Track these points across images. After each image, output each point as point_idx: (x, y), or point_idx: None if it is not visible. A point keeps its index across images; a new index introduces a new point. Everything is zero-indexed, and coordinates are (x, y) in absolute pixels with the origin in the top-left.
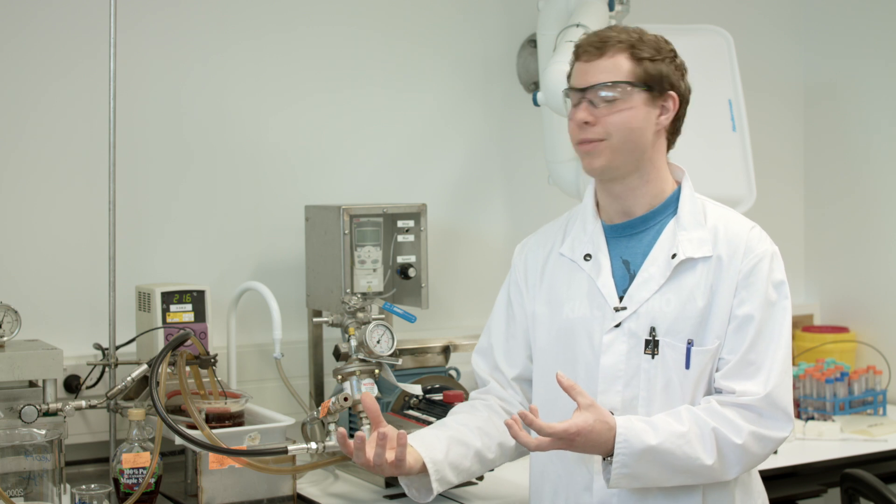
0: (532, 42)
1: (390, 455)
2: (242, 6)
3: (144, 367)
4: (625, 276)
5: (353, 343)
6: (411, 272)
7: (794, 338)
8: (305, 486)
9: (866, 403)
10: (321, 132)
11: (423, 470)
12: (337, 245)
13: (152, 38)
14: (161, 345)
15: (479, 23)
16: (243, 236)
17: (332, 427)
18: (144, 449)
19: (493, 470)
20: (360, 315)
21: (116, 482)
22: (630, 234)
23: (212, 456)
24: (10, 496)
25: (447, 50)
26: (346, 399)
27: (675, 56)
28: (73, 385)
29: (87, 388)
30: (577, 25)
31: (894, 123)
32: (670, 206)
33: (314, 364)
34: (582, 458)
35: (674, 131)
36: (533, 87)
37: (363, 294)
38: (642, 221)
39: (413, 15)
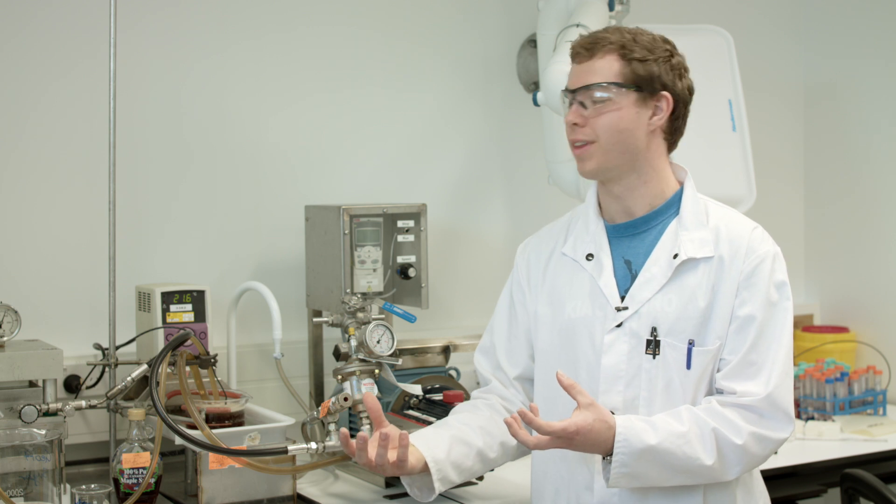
0: (532, 42)
1: (392, 455)
2: (242, 6)
3: (144, 367)
4: (626, 275)
5: (353, 343)
6: (411, 272)
7: (794, 338)
8: (305, 486)
9: (866, 403)
10: (321, 132)
11: (425, 469)
12: (337, 245)
13: (152, 38)
14: (161, 345)
15: (479, 23)
16: (243, 236)
17: (332, 427)
18: (144, 449)
19: (492, 470)
20: (360, 315)
21: (116, 482)
22: (632, 234)
23: (212, 456)
24: (10, 496)
25: (447, 50)
26: (346, 399)
27: (671, 56)
28: (73, 385)
29: (87, 388)
30: (577, 25)
31: (894, 123)
32: (672, 206)
33: (314, 364)
34: (583, 458)
35: (672, 131)
36: (533, 87)
37: (363, 294)
38: (644, 221)
39: (413, 15)
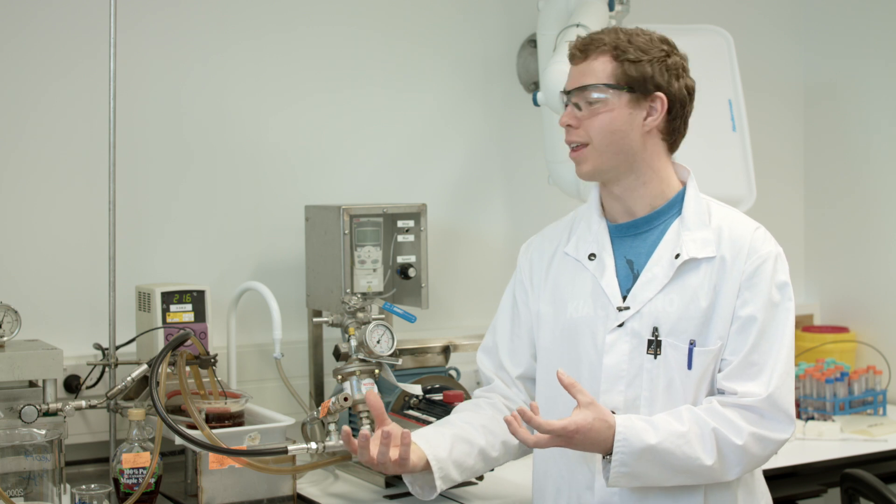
0: (532, 42)
1: (394, 453)
2: (242, 6)
3: (144, 367)
4: (628, 275)
5: (353, 343)
6: (411, 272)
7: (794, 338)
8: (305, 486)
9: (866, 403)
10: (321, 132)
11: (427, 468)
12: (337, 245)
13: (152, 38)
14: (161, 345)
15: (479, 23)
16: (243, 236)
17: (332, 427)
18: (144, 449)
19: (492, 470)
20: (360, 315)
21: (116, 482)
22: (634, 234)
23: (212, 456)
24: (10, 496)
25: (447, 50)
26: (346, 399)
27: (668, 56)
28: (73, 385)
29: (87, 388)
30: (577, 25)
31: (894, 123)
32: (675, 206)
33: (314, 364)
34: (584, 457)
35: (670, 132)
36: (533, 87)
37: (363, 294)
38: (646, 221)
39: (413, 15)
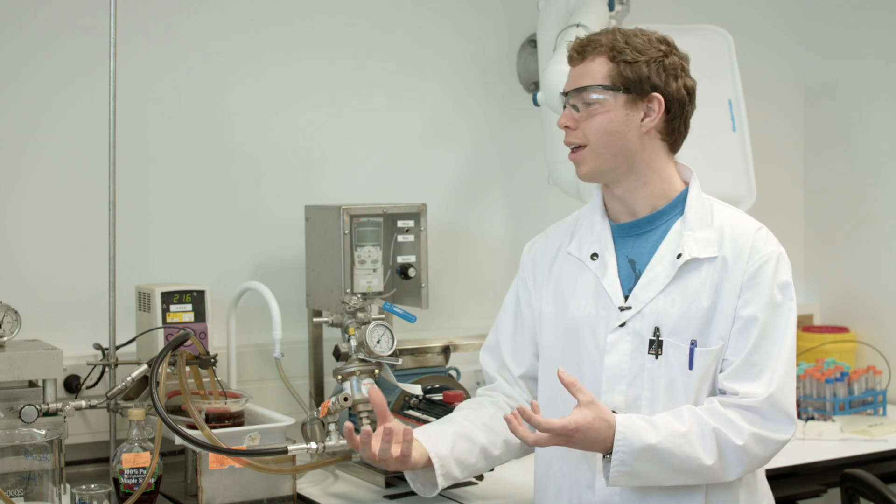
0: (532, 42)
1: (396, 450)
2: (242, 6)
3: (144, 367)
4: (630, 275)
5: (353, 343)
6: (411, 272)
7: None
8: (305, 486)
9: (866, 403)
10: (321, 132)
11: (429, 465)
12: (337, 245)
13: (152, 38)
14: (161, 345)
15: (479, 23)
16: (243, 236)
17: (332, 427)
18: (144, 449)
19: (492, 470)
20: (360, 315)
21: (116, 482)
22: (637, 234)
23: (212, 456)
24: (10, 496)
25: (447, 50)
26: (346, 399)
27: (666, 56)
28: (73, 385)
29: (87, 388)
30: (577, 25)
31: (894, 123)
32: (678, 205)
33: (314, 364)
34: (585, 457)
35: (670, 132)
36: (533, 87)
37: (363, 294)
38: (648, 221)
39: (413, 15)
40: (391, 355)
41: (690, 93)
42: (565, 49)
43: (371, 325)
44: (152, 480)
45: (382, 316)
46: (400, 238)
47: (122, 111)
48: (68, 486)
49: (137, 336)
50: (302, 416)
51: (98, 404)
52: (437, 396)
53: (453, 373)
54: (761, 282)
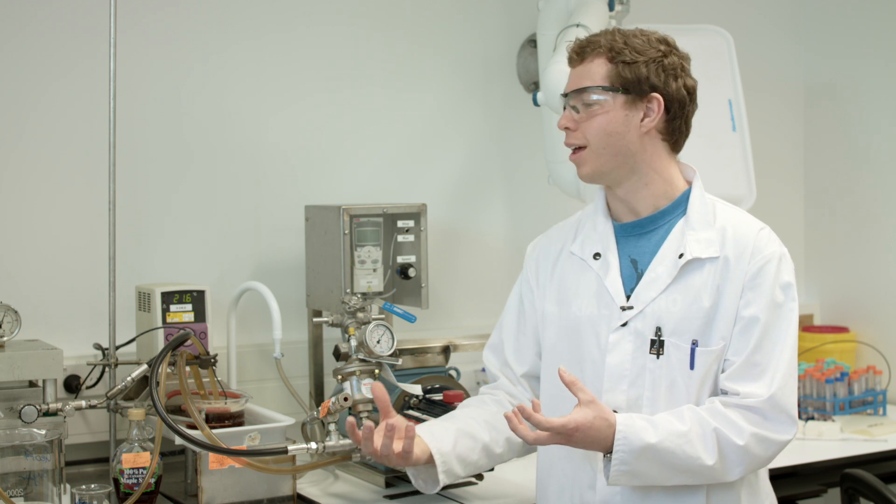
0: (532, 42)
1: (398, 446)
2: (242, 6)
3: (144, 367)
4: (632, 275)
5: (353, 343)
6: (411, 272)
7: None
8: (305, 486)
9: (866, 403)
10: (321, 132)
11: (431, 461)
12: (337, 245)
13: (152, 38)
14: (161, 345)
15: (479, 23)
16: (243, 236)
17: (332, 427)
18: (144, 449)
19: (492, 469)
20: (360, 315)
21: (116, 482)
22: (639, 234)
23: (212, 456)
24: (10, 496)
25: (447, 50)
26: (346, 399)
27: (665, 56)
28: (73, 385)
29: (87, 388)
30: (577, 25)
31: (894, 123)
32: (680, 205)
33: (314, 364)
34: (587, 456)
35: (671, 132)
36: (533, 87)
37: (363, 294)
38: (650, 221)
39: (413, 15)
40: (391, 355)
41: (691, 92)
42: (565, 49)
43: (371, 325)
44: (152, 480)
45: (382, 316)
46: (400, 238)
47: (122, 111)
48: (68, 486)
49: (137, 336)
50: (302, 416)
51: (98, 404)
52: (437, 396)
53: (453, 373)
54: (763, 282)
